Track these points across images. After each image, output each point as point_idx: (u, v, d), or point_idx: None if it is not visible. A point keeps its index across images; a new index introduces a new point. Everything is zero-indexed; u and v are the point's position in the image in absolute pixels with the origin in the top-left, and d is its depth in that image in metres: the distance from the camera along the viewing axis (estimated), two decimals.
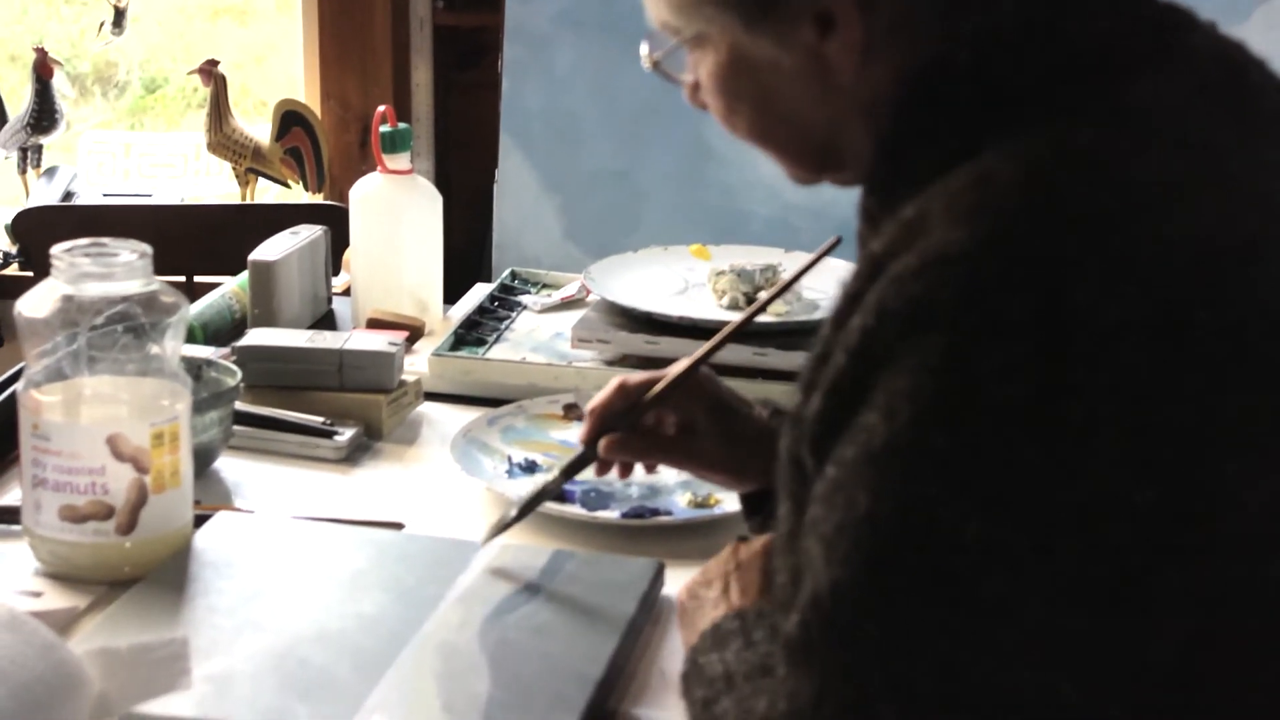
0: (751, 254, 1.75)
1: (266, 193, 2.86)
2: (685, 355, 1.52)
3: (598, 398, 1.16)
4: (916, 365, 0.74)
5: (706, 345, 1.16)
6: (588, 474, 1.19)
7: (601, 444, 1.14)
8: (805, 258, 1.72)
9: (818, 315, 1.58)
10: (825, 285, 1.60)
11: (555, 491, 1.17)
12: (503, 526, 1.15)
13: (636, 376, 1.16)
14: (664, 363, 1.54)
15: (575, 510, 1.27)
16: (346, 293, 1.86)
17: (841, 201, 0.95)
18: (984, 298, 0.73)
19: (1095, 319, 0.73)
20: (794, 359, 1.50)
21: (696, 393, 1.15)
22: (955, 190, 0.78)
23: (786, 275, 1.67)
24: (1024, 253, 0.74)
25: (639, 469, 1.23)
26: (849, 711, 0.73)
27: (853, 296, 0.80)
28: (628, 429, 1.14)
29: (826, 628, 0.74)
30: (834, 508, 0.75)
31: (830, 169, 0.93)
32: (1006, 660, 0.72)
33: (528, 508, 1.16)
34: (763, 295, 1.61)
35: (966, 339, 0.73)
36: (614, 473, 1.20)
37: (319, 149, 2.77)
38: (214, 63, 2.76)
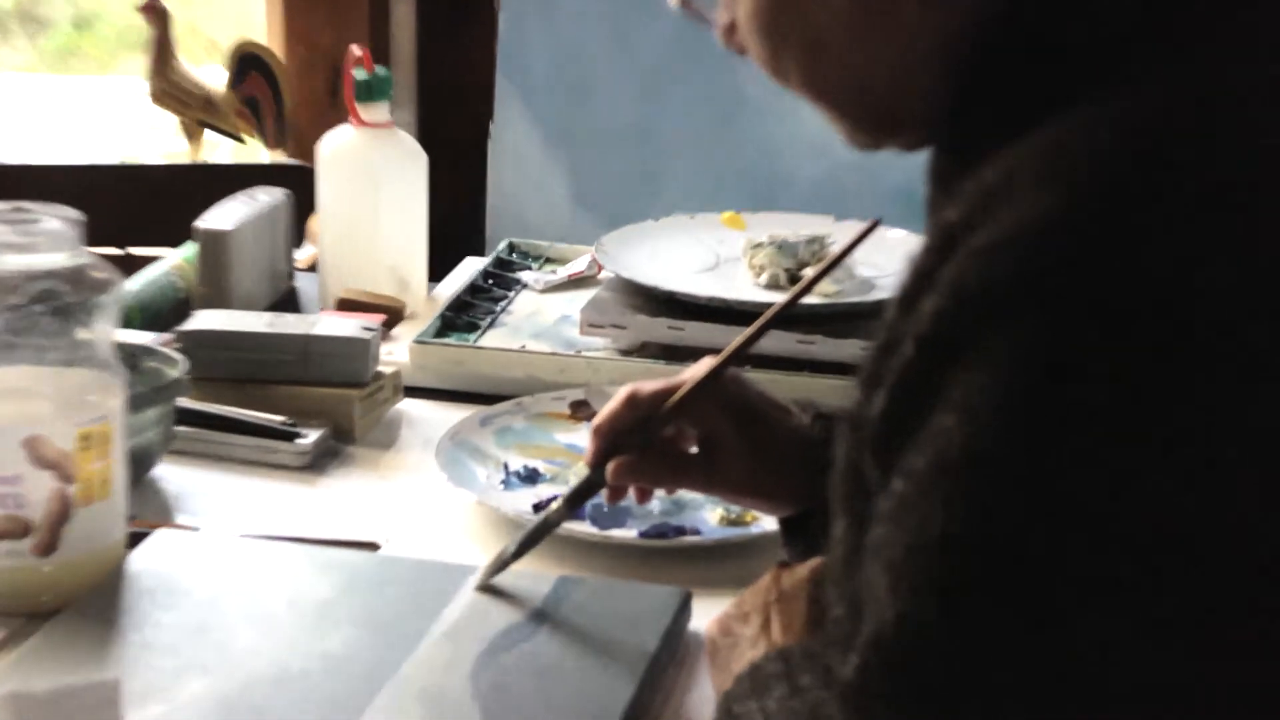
0: (794, 223, 1.76)
1: (218, 149, 2.86)
2: (716, 343, 1.51)
3: (604, 413, 1.15)
4: (1000, 358, 0.73)
5: (734, 343, 1.14)
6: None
7: (610, 469, 1.14)
8: (858, 228, 1.72)
9: (874, 296, 1.58)
10: (884, 261, 1.59)
11: (558, 525, 1.16)
12: (499, 567, 1.15)
13: (650, 384, 1.15)
14: (689, 352, 1.54)
15: (585, 529, 1.27)
16: (313, 268, 1.86)
17: (899, 161, 0.96)
18: (1080, 278, 0.73)
19: (1215, 302, 0.72)
20: (845, 348, 1.51)
21: (722, 400, 1.15)
22: (1044, 149, 0.77)
23: (836, 250, 1.66)
24: (1127, 223, 0.73)
25: None
26: None
27: (923, 275, 0.79)
28: (641, 448, 1.13)
29: (891, 672, 0.73)
30: (902, 527, 0.74)
31: (893, 129, 0.93)
32: (1106, 714, 0.71)
33: (527, 545, 1.15)
34: (808, 273, 1.61)
35: (1060, 327, 0.72)
36: (631, 495, 1.19)
37: (280, 98, 2.76)
38: None
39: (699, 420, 1.15)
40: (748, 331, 1.15)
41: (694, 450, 1.17)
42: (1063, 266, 0.73)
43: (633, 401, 1.14)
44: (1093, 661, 0.71)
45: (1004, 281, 0.73)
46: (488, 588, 1.13)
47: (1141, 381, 0.71)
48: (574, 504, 1.15)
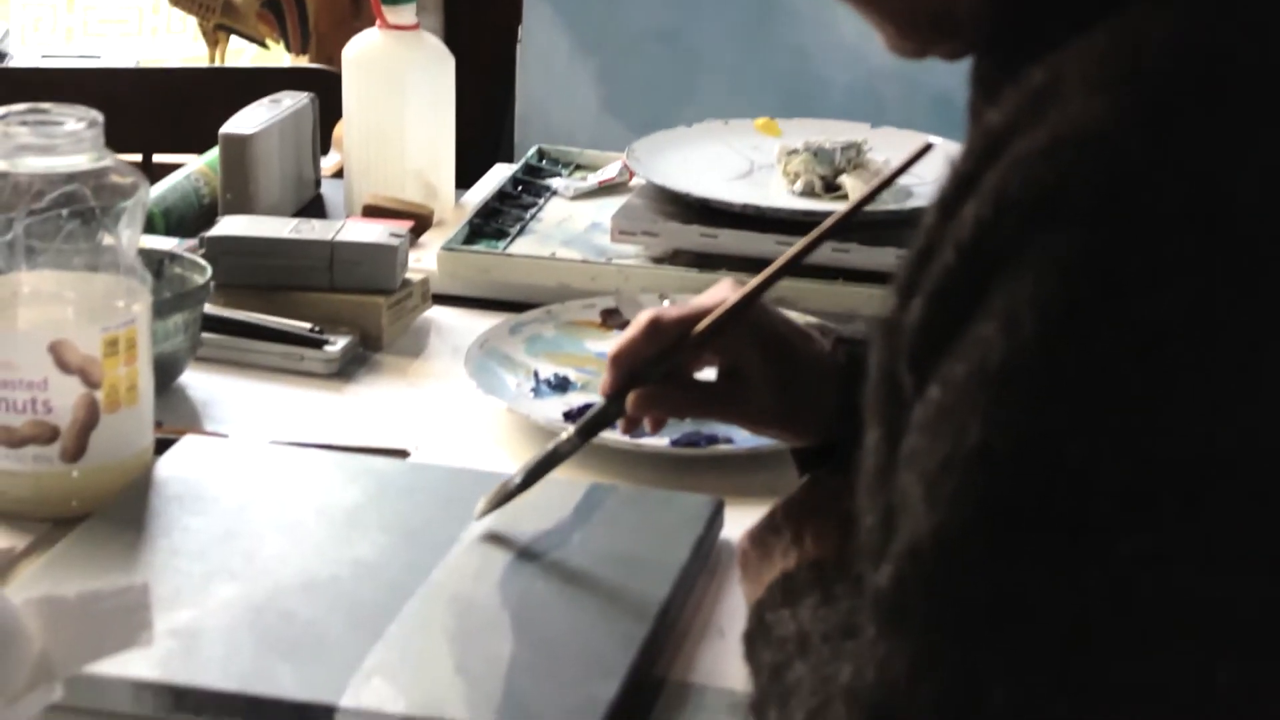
0: (830, 129, 1.74)
1: (240, 54, 2.85)
2: (749, 251, 1.52)
3: (623, 341, 1.13)
4: (1045, 267, 0.72)
5: (764, 273, 1.11)
6: None
7: (629, 400, 1.12)
8: (894, 136, 1.71)
9: (911, 204, 1.57)
10: (920, 168, 1.58)
11: (568, 456, 1.14)
12: (503, 498, 1.12)
13: (671, 312, 1.12)
14: (722, 260, 1.54)
15: (615, 436, 1.26)
16: (339, 174, 1.86)
17: (936, 68, 0.94)
18: (1131, 185, 0.72)
19: (1272, 215, 0.71)
20: (881, 256, 1.50)
21: (749, 329, 1.12)
22: (1096, 51, 0.76)
23: (871, 158, 1.66)
24: (1183, 129, 0.72)
25: None
26: (952, 687, 0.72)
27: (965, 180, 0.78)
28: (660, 379, 1.12)
29: (927, 583, 0.73)
30: (939, 437, 0.74)
31: (942, 35, 0.91)
32: (1147, 634, 0.71)
33: (534, 475, 1.12)
34: (844, 181, 1.60)
35: (1108, 236, 0.72)
36: (644, 423, 1.16)
37: (303, 0, 2.75)
38: None
39: (725, 350, 1.13)
40: (777, 263, 1.12)
41: (713, 379, 1.15)
42: (1112, 173, 0.72)
43: (655, 330, 1.11)
44: (1129, 579, 0.70)
45: (1050, 187, 0.73)
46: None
47: (1189, 293, 0.71)
48: (586, 435, 1.13)
